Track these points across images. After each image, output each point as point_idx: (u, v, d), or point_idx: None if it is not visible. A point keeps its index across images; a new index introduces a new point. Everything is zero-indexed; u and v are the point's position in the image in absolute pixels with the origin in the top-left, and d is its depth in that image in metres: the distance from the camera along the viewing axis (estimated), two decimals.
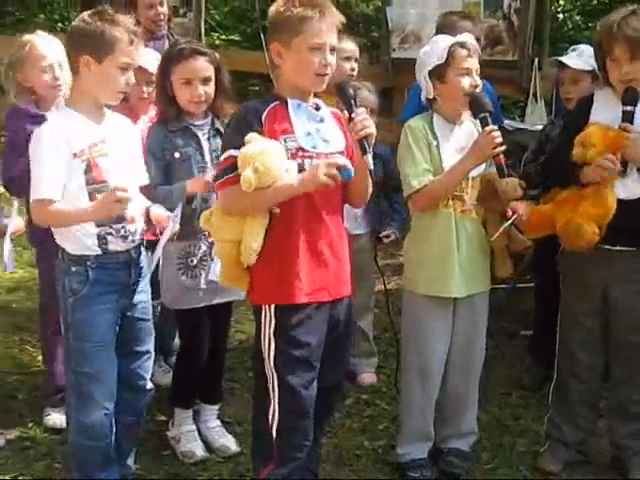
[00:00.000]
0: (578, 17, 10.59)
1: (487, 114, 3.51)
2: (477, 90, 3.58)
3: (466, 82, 3.56)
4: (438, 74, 3.61)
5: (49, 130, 3.25)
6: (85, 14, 3.28)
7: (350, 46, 4.71)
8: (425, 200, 3.63)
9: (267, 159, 3.02)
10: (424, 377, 3.77)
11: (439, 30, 4.89)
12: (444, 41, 3.63)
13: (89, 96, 3.32)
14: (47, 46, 4.06)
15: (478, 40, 5.07)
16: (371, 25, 9.82)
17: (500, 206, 3.63)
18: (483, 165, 3.60)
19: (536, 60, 7.08)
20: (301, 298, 3.17)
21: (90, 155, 3.25)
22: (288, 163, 3.09)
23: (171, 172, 3.79)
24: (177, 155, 3.78)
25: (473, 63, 3.59)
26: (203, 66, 3.80)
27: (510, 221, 3.57)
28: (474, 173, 3.61)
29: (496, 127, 3.52)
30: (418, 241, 3.75)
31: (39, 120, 3.53)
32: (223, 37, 10.84)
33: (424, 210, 3.68)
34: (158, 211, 3.45)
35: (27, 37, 4.12)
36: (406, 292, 3.85)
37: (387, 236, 4.54)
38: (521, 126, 5.77)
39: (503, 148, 3.49)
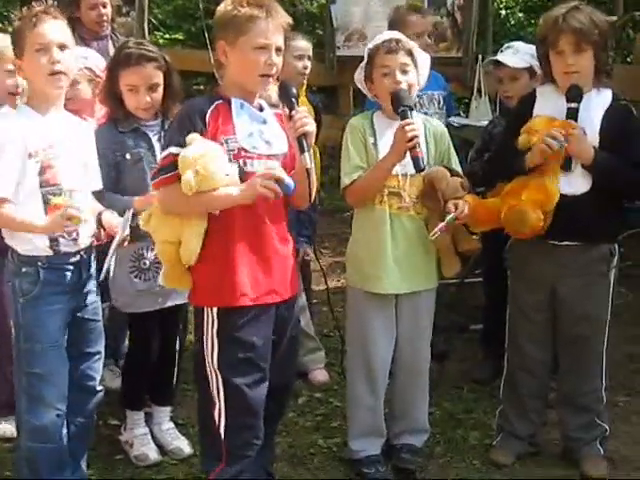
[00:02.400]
0: (520, 14, 10.69)
1: (406, 108, 3.50)
2: (402, 86, 3.56)
3: (387, 80, 3.58)
4: (367, 75, 3.68)
5: (5, 128, 3.22)
6: None
7: (302, 44, 4.66)
8: (355, 196, 3.66)
9: (209, 162, 3.01)
10: (369, 373, 3.77)
11: (390, 25, 4.91)
12: (372, 42, 3.68)
13: (35, 90, 3.31)
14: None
15: (428, 36, 5.14)
16: (315, 23, 9.81)
17: (439, 205, 3.60)
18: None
19: (480, 57, 7.13)
20: (244, 301, 3.15)
21: (44, 156, 3.22)
22: (229, 167, 3.08)
23: (123, 173, 3.73)
24: (128, 157, 3.72)
25: (395, 59, 3.59)
26: (150, 73, 3.73)
27: (449, 217, 3.51)
28: (412, 170, 3.56)
29: (411, 120, 3.48)
30: (355, 237, 3.78)
31: None
32: (167, 36, 10.71)
33: (356, 205, 3.74)
34: (110, 217, 3.42)
35: None
36: (348, 288, 3.87)
37: (306, 253, 4.62)
38: (467, 122, 5.80)
39: (417, 141, 3.45)
